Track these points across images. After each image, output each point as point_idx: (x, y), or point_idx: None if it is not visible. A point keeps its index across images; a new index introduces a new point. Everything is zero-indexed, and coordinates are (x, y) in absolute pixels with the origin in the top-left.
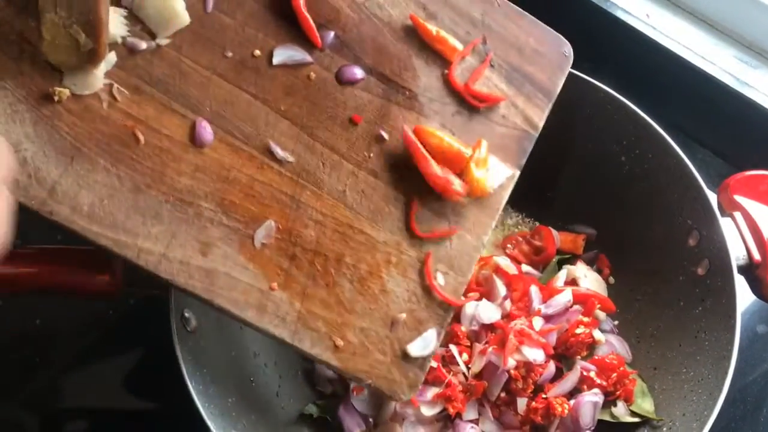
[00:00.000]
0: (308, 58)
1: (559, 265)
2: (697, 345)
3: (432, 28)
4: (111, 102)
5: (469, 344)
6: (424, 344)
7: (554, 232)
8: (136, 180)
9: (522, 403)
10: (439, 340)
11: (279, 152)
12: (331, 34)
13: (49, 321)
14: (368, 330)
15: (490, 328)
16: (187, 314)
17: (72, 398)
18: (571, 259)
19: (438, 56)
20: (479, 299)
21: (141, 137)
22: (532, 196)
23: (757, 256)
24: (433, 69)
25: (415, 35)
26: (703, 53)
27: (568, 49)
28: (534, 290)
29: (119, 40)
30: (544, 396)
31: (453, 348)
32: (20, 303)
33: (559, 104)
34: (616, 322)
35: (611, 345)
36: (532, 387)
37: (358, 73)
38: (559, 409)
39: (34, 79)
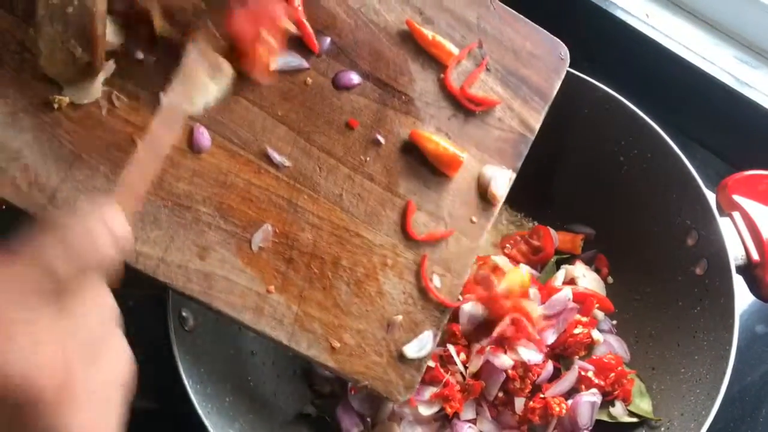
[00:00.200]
0: (305, 63)
1: (558, 265)
2: (695, 345)
3: (428, 32)
4: (110, 109)
5: (467, 344)
6: (420, 346)
7: (553, 231)
8: None
9: (520, 402)
10: (435, 341)
11: (276, 157)
12: (328, 40)
13: None
14: (365, 332)
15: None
16: (184, 313)
17: None
18: (569, 258)
19: (434, 61)
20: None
21: (139, 143)
22: (531, 195)
23: (755, 255)
24: (429, 73)
25: (411, 40)
26: (702, 53)
27: (564, 51)
28: (533, 291)
29: (117, 48)
30: (541, 396)
31: (450, 347)
32: None
33: (558, 104)
34: (615, 322)
35: (609, 345)
36: (530, 387)
37: (355, 78)
38: (557, 409)
39: (34, 87)
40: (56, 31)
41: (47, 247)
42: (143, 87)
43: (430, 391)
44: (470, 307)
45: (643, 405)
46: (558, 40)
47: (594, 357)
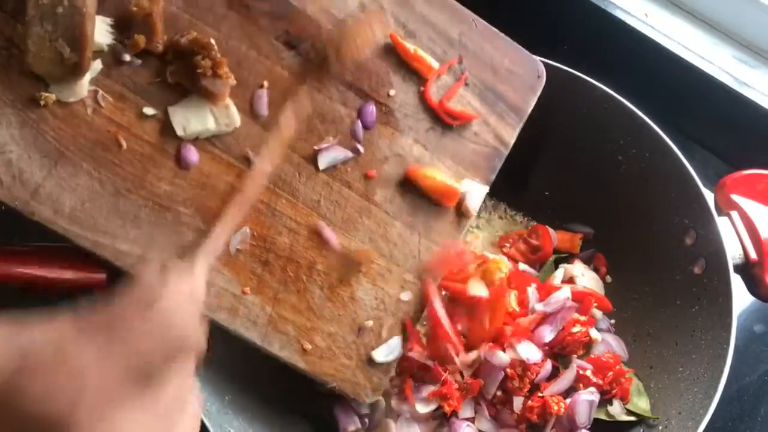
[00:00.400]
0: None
1: (556, 264)
2: (693, 344)
3: (410, 46)
4: (95, 108)
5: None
6: (389, 351)
7: (551, 231)
8: (117, 184)
9: (518, 401)
10: (403, 347)
11: (257, 162)
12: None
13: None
14: (336, 335)
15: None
16: None
17: None
18: (568, 258)
19: (415, 73)
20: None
21: (123, 143)
22: (530, 195)
23: (753, 255)
24: (409, 85)
25: (393, 53)
26: (701, 53)
27: (541, 69)
28: (531, 290)
29: (105, 48)
30: (540, 394)
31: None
32: (18, 302)
33: (557, 103)
34: (613, 321)
35: (607, 344)
36: (529, 385)
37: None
38: (555, 407)
39: (21, 83)
40: (45, 30)
41: (143, 341)
42: (129, 88)
43: (427, 389)
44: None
45: (641, 404)
46: (536, 58)
47: (592, 356)
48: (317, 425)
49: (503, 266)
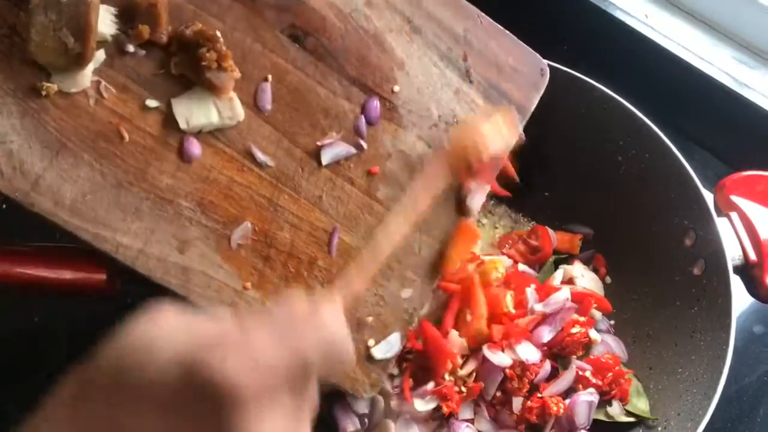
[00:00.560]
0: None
1: (556, 264)
2: (692, 345)
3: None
4: (98, 99)
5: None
6: (388, 347)
7: (551, 231)
8: (118, 176)
9: (517, 402)
10: (402, 343)
11: (260, 156)
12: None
13: (47, 318)
14: None
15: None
16: None
17: None
18: (567, 258)
19: None
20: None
21: (126, 135)
22: (529, 195)
23: (753, 256)
24: (414, 82)
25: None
26: (701, 54)
27: (544, 68)
28: (530, 290)
29: (109, 38)
30: (539, 395)
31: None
32: (18, 301)
33: (556, 104)
34: (612, 322)
35: (607, 345)
36: (528, 386)
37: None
38: (555, 408)
39: (22, 72)
40: (49, 19)
41: (308, 347)
42: (132, 79)
43: (427, 387)
44: None
45: (641, 404)
46: (539, 56)
47: (592, 357)
48: (316, 425)
49: (500, 266)
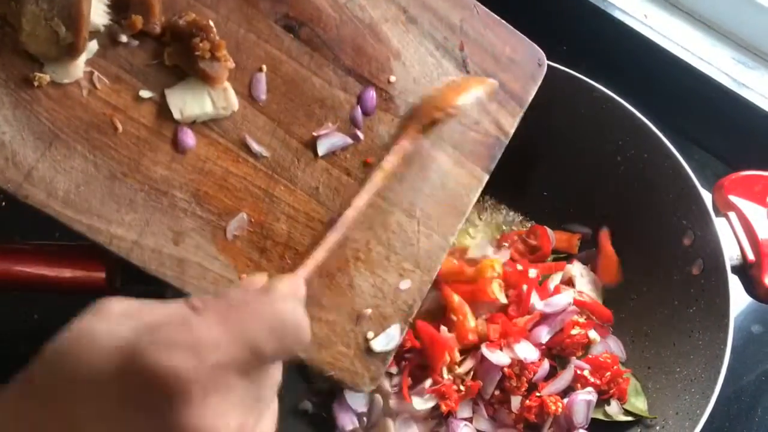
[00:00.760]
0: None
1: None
2: (690, 344)
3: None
4: (91, 90)
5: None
6: (387, 339)
7: (549, 231)
8: (112, 168)
9: (516, 401)
10: (402, 335)
11: (255, 146)
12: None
13: (46, 317)
14: (334, 323)
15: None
16: None
17: None
18: (566, 258)
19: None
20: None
21: (119, 126)
22: (528, 195)
23: (751, 256)
24: (410, 72)
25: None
26: (700, 54)
27: (542, 58)
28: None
29: (101, 29)
30: (538, 394)
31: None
32: (17, 299)
33: (555, 104)
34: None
35: (605, 344)
36: (526, 385)
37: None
38: (553, 407)
39: (14, 62)
40: (41, 8)
41: (256, 329)
42: (126, 70)
43: (425, 385)
44: None
45: (639, 404)
46: (536, 46)
47: (590, 356)
48: (315, 423)
49: (497, 265)
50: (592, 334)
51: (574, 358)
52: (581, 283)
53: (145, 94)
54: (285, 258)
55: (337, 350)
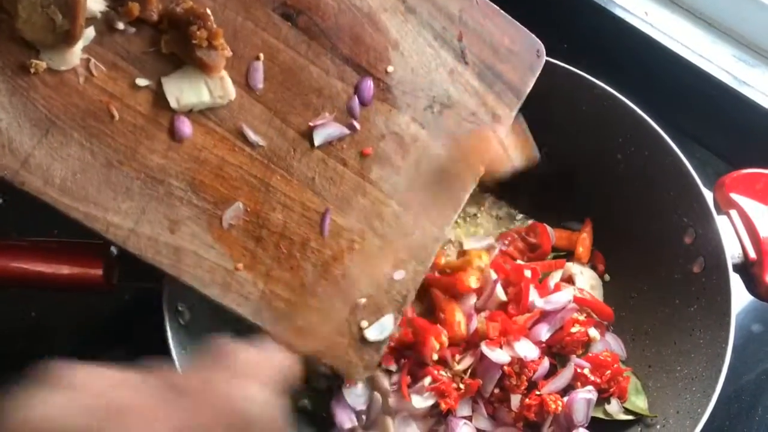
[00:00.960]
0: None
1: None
2: (691, 343)
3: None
4: (87, 77)
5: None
6: (381, 329)
7: (549, 228)
8: (109, 155)
9: (516, 399)
10: (395, 325)
11: (251, 136)
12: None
13: (44, 314)
14: (328, 312)
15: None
16: (180, 308)
17: None
18: (566, 256)
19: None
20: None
21: (116, 113)
22: (528, 192)
23: (752, 254)
24: (408, 62)
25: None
26: (701, 51)
27: (541, 49)
28: (530, 288)
29: (98, 15)
30: (537, 393)
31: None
32: (15, 296)
33: (556, 101)
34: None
35: (606, 342)
36: (526, 384)
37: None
38: (553, 406)
39: (10, 49)
40: None
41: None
42: (122, 57)
43: (425, 383)
44: None
45: (639, 402)
46: (535, 37)
47: (590, 354)
48: (314, 422)
49: (484, 256)
50: (592, 332)
51: (574, 356)
52: (581, 280)
53: (141, 82)
54: (281, 247)
55: (331, 340)
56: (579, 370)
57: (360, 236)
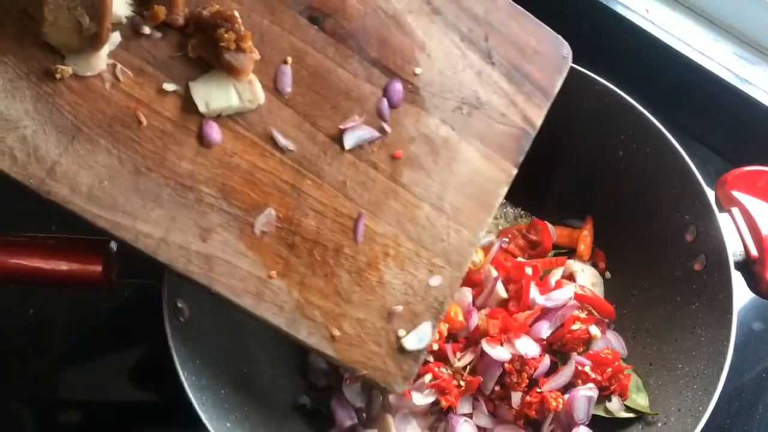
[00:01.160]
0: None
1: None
2: (693, 340)
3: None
4: (114, 82)
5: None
6: (419, 337)
7: (550, 226)
8: (137, 162)
9: (516, 397)
10: (433, 333)
11: (281, 140)
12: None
13: (43, 311)
14: (365, 321)
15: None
16: (180, 305)
17: (65, 389)
18: (567, 253)
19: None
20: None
21: (143, 119)
22: (529, 190)
23: (754, 251)
24: (435, 64)
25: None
26: (702, 49)
27: (567, 50)
28: (531, 285)
29: (124, 20)
30: (538, 390)
31: (447, 346)
32: (13, 292)
33: (557, 98)
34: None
35: (607, 340)
36: (527, 381)
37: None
38: (554, 403)
39: (35, 55)
40: None
41: None
42: (149, 62)
43: (425, 380)
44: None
45: (640, 400)
46: (561, 38)
47: (591, 352)
48: (313, 420)
49: (479, 251)
50: (593, 330)
51: (575, 353)
52: (582, 278)
53: (169, 87)
54: (314, 254)
55: (368, 349)
56: (580, 368)
57: (394, 241)
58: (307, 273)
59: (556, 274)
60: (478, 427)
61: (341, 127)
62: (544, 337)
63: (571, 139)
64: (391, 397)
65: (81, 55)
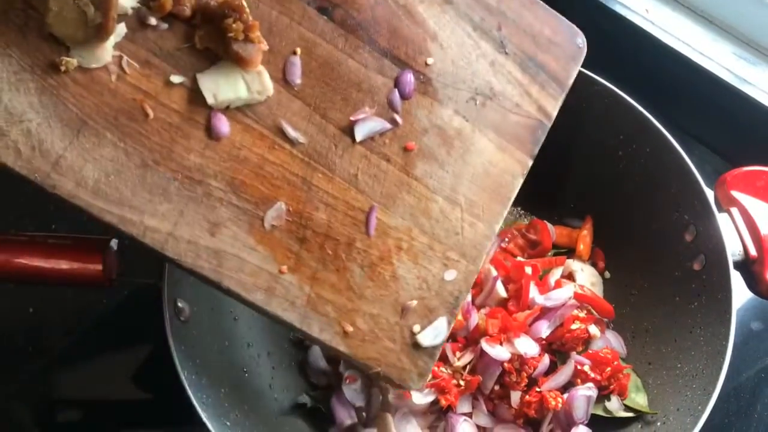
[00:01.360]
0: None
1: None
2: (692, 340)
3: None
4: (120, 74)
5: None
6: (435, 333)
7: (550, 225)
8: (144, 156)
9: (516, 396)
10: (449, 328)
11: (291, 132)
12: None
13: (42, 310)
14: (378, 317)
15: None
16: (180, 304)
17: (64, 388)
18: (566, 253)
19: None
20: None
21: (150, 112)
22: (529, 189)
23: (753, 251)
24: (447, 54)
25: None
26: (701, 49)
27: (581, 40)
28: (531, 284)
29: (129, 11)
30: (537, 389)
31: (447, 345)
32: (13, 291)
33: None
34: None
35: (606, 339)
36: (526, 380)
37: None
38: (553, 402)
39: (40, 47)
40: None
41: None
42: (155, 54)
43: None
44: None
45: (639, 400)
46: (576, 27)
47: (590, 351)
48: (313, 419)
49: None
50: (593, 329)
51: (575, 353)
52: (582, 277)
53: (176, 78)
54: (326, 249)
55: (382, 345)
56: (579, 367)
57: (407, 235)
58: (318, 267)
59: (556, 274)
60: (478, 427)
61: (352, 118)
62: (544, 336)
63: (571, 139)
64: (391, 396)
65: (86, 46)
